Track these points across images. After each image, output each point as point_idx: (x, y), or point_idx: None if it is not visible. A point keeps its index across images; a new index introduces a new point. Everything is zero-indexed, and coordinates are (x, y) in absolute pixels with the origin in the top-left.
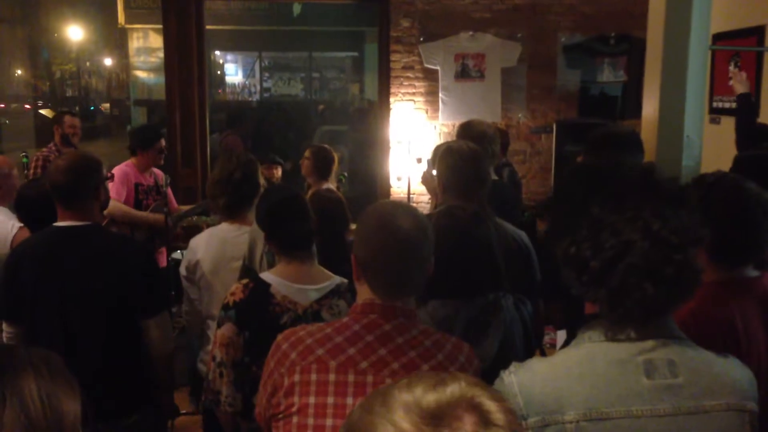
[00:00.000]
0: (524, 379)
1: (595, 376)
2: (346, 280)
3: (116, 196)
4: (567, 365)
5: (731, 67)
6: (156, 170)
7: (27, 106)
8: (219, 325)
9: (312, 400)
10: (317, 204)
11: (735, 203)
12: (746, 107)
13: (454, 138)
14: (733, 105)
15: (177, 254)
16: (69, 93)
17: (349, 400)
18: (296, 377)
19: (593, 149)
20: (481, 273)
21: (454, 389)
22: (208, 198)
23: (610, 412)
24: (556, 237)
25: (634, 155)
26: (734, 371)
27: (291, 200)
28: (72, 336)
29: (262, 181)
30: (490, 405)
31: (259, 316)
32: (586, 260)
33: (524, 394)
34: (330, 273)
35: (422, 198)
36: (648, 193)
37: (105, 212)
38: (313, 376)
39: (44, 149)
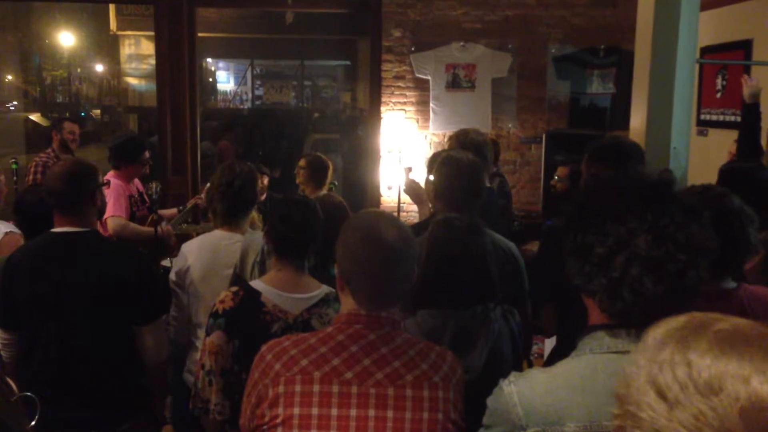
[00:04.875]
0: (524, 389)
1: (596, 389)
2: (334, 290)
3: (121, 212)
4: (568, 376)
5: (719, 77)
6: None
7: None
8: (208, 333)
9: (296, 411)
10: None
11: (716, 215)
12: (752, 118)
13: (446, 146)
14: (720, 118)
15: (166, 262)
16: (59, 99)
17: (334, 411)
18: (281, 388)
19: (598, 159)
20: (473, 285)
21: None
22: (206, 203)
23: (610, 425)
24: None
25: (636, 167)
26: None
27: (301, 207)
28: (67, 342)
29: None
30: None
31: (249, 324)
32: (590, 247)
33: (524, 405)
34: (318, 282)
35: (412, 207)
36: (664, 197)
37: (111, 231)
38: (298, 387)
39: (42, 154)
